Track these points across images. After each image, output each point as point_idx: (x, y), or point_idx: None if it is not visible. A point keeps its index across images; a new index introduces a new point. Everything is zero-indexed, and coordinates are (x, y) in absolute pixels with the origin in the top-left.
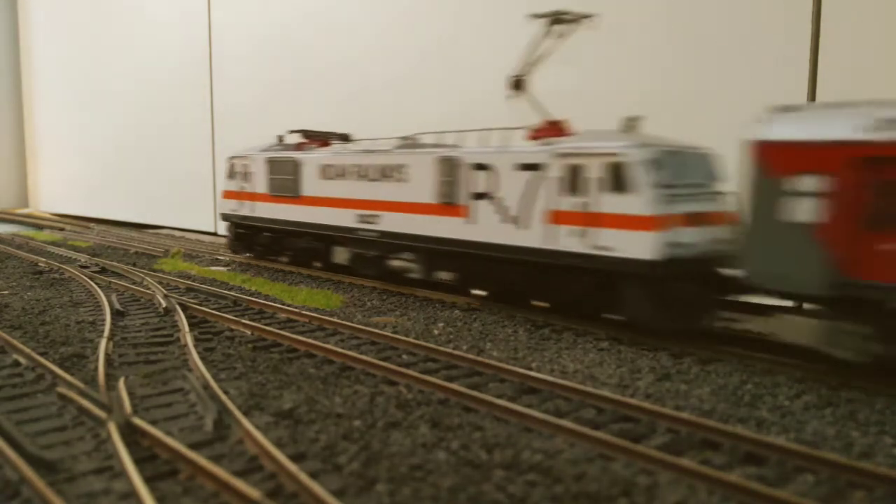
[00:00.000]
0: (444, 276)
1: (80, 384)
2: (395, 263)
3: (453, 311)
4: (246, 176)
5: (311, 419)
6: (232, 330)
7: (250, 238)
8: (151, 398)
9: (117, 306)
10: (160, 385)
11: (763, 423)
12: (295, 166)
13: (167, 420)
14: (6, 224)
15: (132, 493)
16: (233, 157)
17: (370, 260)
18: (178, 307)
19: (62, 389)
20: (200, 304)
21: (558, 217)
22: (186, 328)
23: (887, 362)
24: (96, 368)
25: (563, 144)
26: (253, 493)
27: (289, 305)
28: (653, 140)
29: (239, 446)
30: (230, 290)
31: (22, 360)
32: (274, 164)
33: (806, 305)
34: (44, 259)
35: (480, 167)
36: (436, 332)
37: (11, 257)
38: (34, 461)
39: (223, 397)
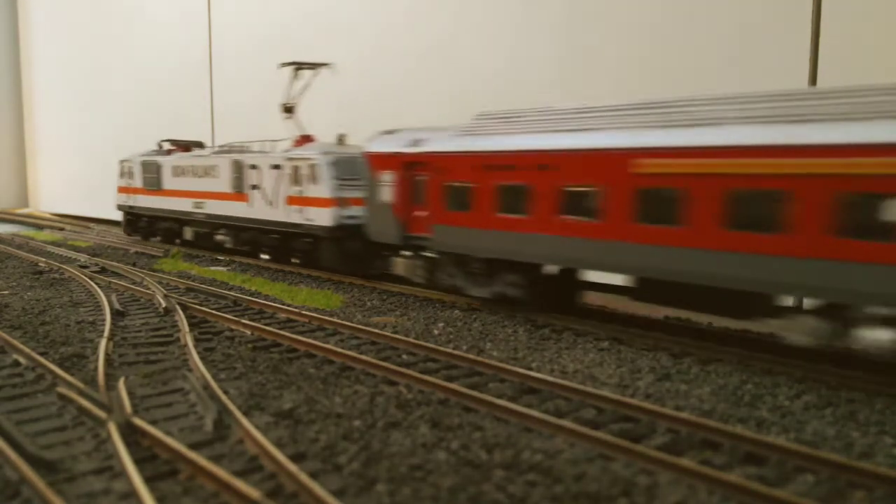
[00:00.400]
0: (239, 245)
1: (80, 384)
2: (218, 237)
3: (453, 311)
4: (130, 174)
5: (311, 419)
6: (232, 330)
7: (135, 223)
8: (151, 398)
9: (117, 306)
10: (160, 385)
11: (763, 423)
12: (158, 167)
13: (167, 420)
14: (6, 224)
15: (132, 493)
16: (122, 161)
17: (203, 235)
18: (177, 307)
19: (62, 389)
20: (200, 304)
21: (290, 200)
22: (186, 328)
23: (437, 282)
24: (96, 368)
25: (291, 152)
26: (253, 493)
27: (289, 305)
28: (336, 149)
29: (239, 446)
30: (230, 290)
31: (22, 360)
32: (145, 166)
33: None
34: (44, 259)
35: (253, 167)
36: (436, 332)
37: (11, 257)
38: (34, 461)
39: (223, 397)
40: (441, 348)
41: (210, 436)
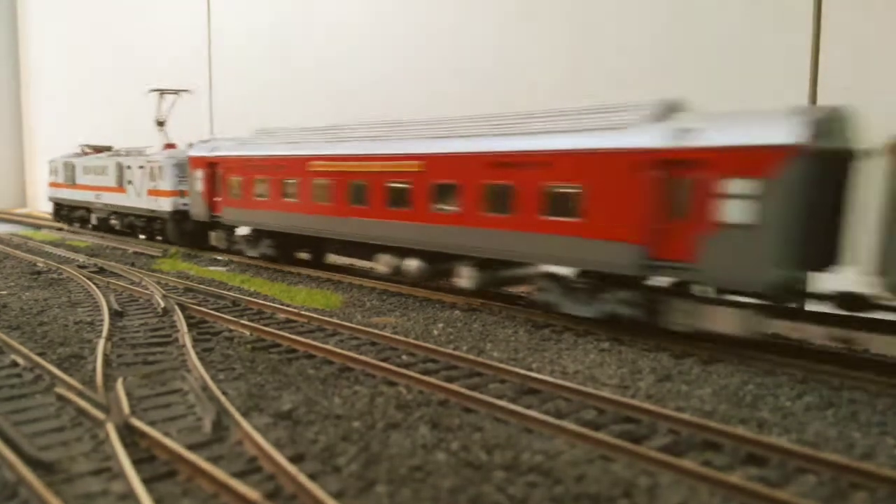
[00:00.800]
0: (124, 227)
1: (79, 385)
2: (112, 221)
3: (453, 311)
4: (56, 172)
5: (310, 420)
6: (231, 330)
7: (59, 211)
8: (150, 399)
9: (115, 307)
10: (158, 386)
11: (764, 423)
12: (73, 166)
13: (165, 421)
14: (4, 224)
15: (130, 495)
16: (50, 161)
17: (102, 221)
18: (176, 307)
19: (60, 390)
20: (199, 305)
21: (150, 192)
22: (185, 328)
23: (231, 248)
24: (94, 369)
25: (150, 156)
26: (252, 494)
27: (288, 306)
28: (179, 154)
29: (238, 447)
30: (229, 290)
31: (20, 360)
32: (65, 165)
33: None
34: (42, 259)
35: (129, 167)
36: (436, 332)
37: (9, 257)
38: (32, 462)
39: (222, 398)
40: (441, 349)
41: (209, 437)
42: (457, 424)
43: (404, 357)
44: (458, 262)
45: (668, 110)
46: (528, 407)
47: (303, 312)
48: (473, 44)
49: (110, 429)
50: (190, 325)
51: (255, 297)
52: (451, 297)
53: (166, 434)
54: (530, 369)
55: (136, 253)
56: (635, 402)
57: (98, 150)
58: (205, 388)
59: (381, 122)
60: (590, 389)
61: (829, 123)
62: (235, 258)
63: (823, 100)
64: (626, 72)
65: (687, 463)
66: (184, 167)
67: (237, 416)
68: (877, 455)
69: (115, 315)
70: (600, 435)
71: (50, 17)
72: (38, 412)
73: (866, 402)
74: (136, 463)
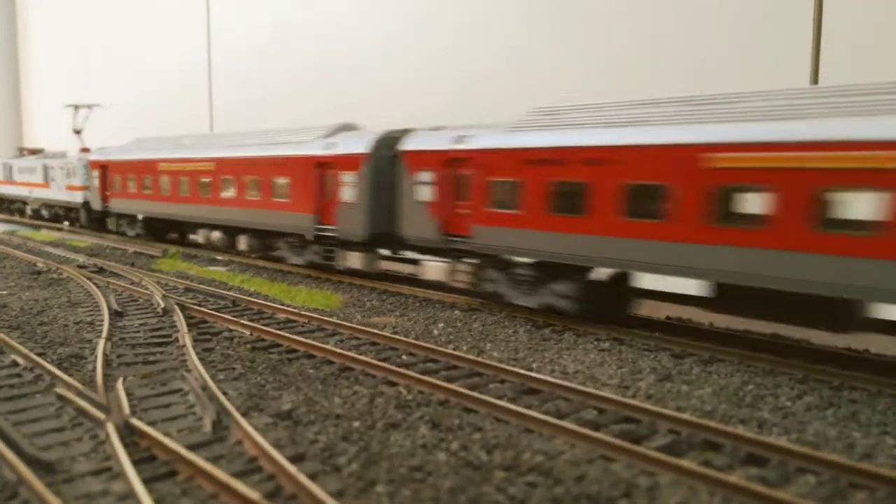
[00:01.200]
0: (51, 218)
1: (79, 385)
2: (42, 213)
3: (453, 311)
4: None
5: (310, 420)
6: (231, 330)
7: (1, 204)
8: (150, 399)
9: (115, 307)
10: (159, 386)
11: (764, 423)
12: (11, 167)
13: (166, 421)
14: (4, 224)
15: (131, 495)
16: None
17: (35, 211)
18: (176, 307)
19: (60, 390)
20: (199, 305)
21: (68, 187)
22: (185, 328)
23: (124, 233)
24: (94, 369)
25: (68, 159)
26: (252, 494)
27: (288, 306)
28: (88, 156)
29: (238, 447)
30: (229, 290)
31: (20, 360)
32: (4, 165)
33: None
34: (42, 259)
35: (52, 167)
36: (436, 332)
37: (9, 257)
38: (32, 462)
39: (222, 398)
40: (441, 349)
41: (209, 437)
42: (457, 424)
43: (404, 357)
44: (239, 233)
45: (335, 130)
46: (529, 407)
47: (303, 312)
48: (473, 45)
49: (110, 429)
50: (190, 325)
51: (255, 297)
52: (452, 296)
53: (166, 434)
54: (530, 369)
55: (135, 253)
56: (635, 402)
57: (33, 152)
58: (205, 387)
59: (197, 133)
60: (590, 389)
61: (384, 141)
62: (236, 258)
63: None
64: (626, 72)
65: (687, 463)
66: (85, 168)
67: (237, 415)
68: (877, 455)
69: (115, 315)
70: (600, 435)
71: (49, 16)
72: (38, 412)
73: (866, 402)
74: (137, 463)
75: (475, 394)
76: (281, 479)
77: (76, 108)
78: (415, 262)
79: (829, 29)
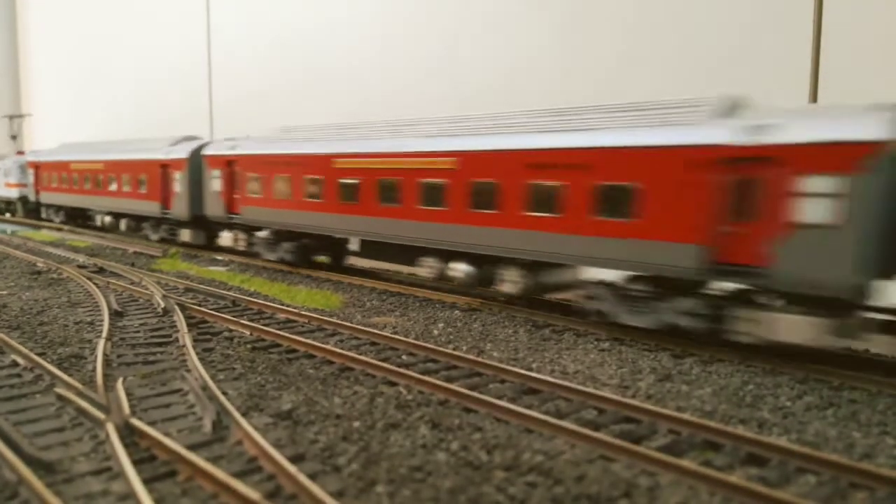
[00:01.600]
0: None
1: (79, 385)
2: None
3: (453, 311)
4: None
5: (310, 420)
6: (231, 330)
7: None
8: (150, 399)
9: (115, 307)
10: (159, 386)
11: (765, 423)
12: None
13: (166, 421)
14: (4, 223)
15: (131, 495)
16: None
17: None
18: (176, 307)
19: (60, 390)
20: (199, 305)
21: (7, 185)
22: (185, 328)
23: (49, 219)
24: (94, 369)
25: (5, 160)
26: (252, 494)
27: (288, 306)
28: (23, 158)
29: (238, 447)
30: (229, 290)
31: (20, 360)
32: None
33: None
34: (42, 259)
35: (5, 168)
36: (436, 332)
37: (9, 257)
38: (32, 462)
39: (222, 398)
40: (441, 349)
41: (209, 437)
42: (457, 424)
43: (404, 357)
44: (122, 217)
45: (178, 141)
46: (529, 407)
47: (303, 312)
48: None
49: (110, 429)
50: (190, 325)
51: (255, 297)
52: (452, 296)
53: (166, 434)
54: (530, 369)
55: (135, 253)
56: (635, 402)
57: None
58: (205, 388)
59: (99, 140)
60: (590, 389)
61: (200, 148)
62: (236, 258)
63: (823, 100)
64: (627, 71)
65: (687, 463)
66: (25, 168)
67: (237, 415)
68: (877, 455)
69: (115, 315)
70: (600, 435)
71: (49, 17)
72: (38, 412)
73: (866, 402)
74: (137, 463)
75: (475, 394)
76: (281, 479)
77: (11, 118)
78: (215, 235)
79: (830, 29)
